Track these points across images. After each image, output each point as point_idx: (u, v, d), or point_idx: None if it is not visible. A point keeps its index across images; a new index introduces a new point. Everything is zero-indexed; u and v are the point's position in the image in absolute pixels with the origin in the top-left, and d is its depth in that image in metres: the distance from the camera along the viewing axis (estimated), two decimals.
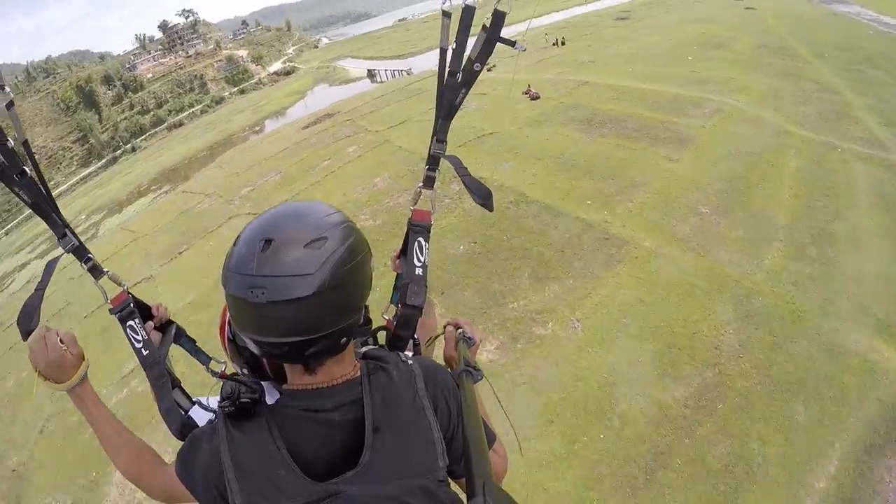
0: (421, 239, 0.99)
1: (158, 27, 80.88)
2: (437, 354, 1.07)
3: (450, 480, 0.72)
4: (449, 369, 0.89)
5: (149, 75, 67.21)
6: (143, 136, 55.85)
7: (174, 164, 24.91)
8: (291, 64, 68.80)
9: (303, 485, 0.64)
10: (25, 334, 0.84)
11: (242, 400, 0.68)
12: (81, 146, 56.36)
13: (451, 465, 0.71)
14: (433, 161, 1.04)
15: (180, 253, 8.29)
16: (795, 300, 4.70)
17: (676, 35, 18.79)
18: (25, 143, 0.91)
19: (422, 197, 1.02)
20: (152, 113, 61.02)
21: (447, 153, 1.04)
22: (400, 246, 1.08)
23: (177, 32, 79.11)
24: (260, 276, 0.60)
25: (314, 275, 0.60)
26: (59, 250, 0.94)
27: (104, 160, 53.82)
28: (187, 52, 75.25)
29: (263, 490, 0.64)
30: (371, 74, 36.72)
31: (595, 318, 4.39)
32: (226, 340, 0.87)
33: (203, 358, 1.04)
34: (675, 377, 3.95)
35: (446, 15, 0.95)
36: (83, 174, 51.02)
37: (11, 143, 0.85)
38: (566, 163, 7.63)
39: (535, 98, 11.94)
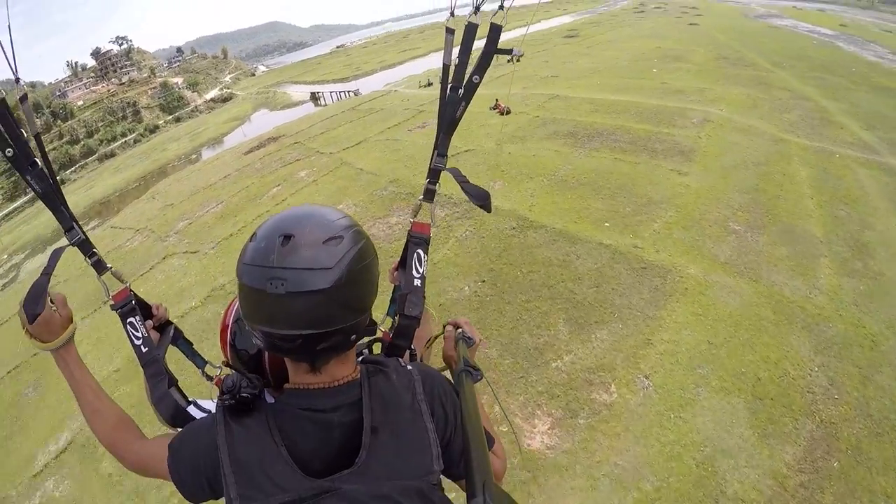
0: (420, 251, 1.08)
1: (91, 54, 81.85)
2: (438, 355, 1.15)
3: (443, 485, 0.78)
4: (449, 369, 1.05)
5: (80, 103, 69.03)
6: (73, 168, 56.22)
7: (104, 197, 25.06)
8: (229, 90, 70.92)
9: (299, 480, 0.70)
10: (32, 317, 0.89)
11: (243, 394, 0.76)
12: (8, 179, 55.52)
13: (451, 469, 0.79)
14: (434, 174, 1.14)
15: (104, 303, 7.44)
16: (864, 322, 4.53)
17: (632, 49, 20.15)
18: (37, 137, 1.04)
19: (422, 210, 1.11)
20: (82, 143, 62.13)
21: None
22: (398, 259, 1.17)
23: (110, 59, 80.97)
24: (280, 268, 0.67)
25: (332, 269, 0.68)
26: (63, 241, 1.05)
27: (31, 194, 54.69)
28: (120, 80, 75.96)
29: (260, 484, 0.70)
30: (315, 98, 36.47)
31: (665, 372, 3.83)
32: (226, 345, 0.95)
33: (199, 361, 1.14)
34: (779, 436, 3.46)
35: (449, 31, 1.00)
36: (9, 209, 49.96)
37: (25, 134, 0.95)
38: (565, 181, 7.31)
39: (505, 113, 11.86)
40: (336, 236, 0.71)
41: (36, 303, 0.90)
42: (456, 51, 1.06)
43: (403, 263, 1.13)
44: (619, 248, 5.36)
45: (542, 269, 5.18)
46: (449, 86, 1.06)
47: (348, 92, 31.83)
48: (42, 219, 28.36)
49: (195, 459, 0.78)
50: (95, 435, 0.94)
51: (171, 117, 66.53)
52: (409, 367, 0.86)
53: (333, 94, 33.38)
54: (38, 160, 0.97)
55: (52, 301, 0.93)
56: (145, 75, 78.80)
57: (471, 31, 0.98)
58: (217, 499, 0.78)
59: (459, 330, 1.07)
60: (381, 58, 50.01)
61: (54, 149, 59.71)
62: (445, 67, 1.06)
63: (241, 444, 0.74)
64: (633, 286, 4.79)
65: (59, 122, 64.14)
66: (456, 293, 5.15)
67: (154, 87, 74.03)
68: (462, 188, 1.15)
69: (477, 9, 0.95)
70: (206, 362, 1.13)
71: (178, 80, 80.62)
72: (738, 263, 5.12)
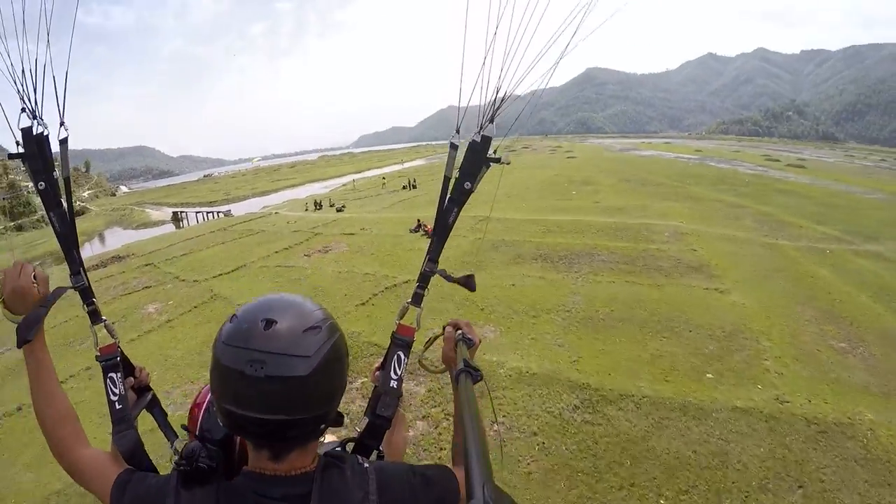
0: (401, 353, 1.18)
1: None
2: (437, 355, 1.20)
3: None
4: (448, 370, 1.17)
5: None
6: None
7: None
8: (83, 204, 67.94)
9: None
10: (22, 342, 1.02)
11: (200, 464, 0.85)
12: None
13: None
14: (423, 279, 1.22)
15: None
16: None
17: (533, 177, 22.00)
18: (67, 180, 1.19)
19: (408, 313, 1.21)
20: None
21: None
22: (381, 360, 1.23)
23: None
24: (261, 351, 0.76)
25: (311, 357, 0.78)
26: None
27: None
28: None
29: None
30: (177, 218, 33.84)
31: None
32: (197, 424, 1.10)
33: (170, 434, 1.21)
34: None
35: (453, 147, 1.14)
36: None
37: (57, 173, 1.14)
38: (590, 317, 5.98)
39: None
40: (315, 326, 0.81)
41: (28, 331, 1.00)
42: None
43: (384, 365, 1.20)
44: (767, 411, 3.90)
45: (692, 477, 3.32)
46: (447, 197, 1.17)
47: (218, 213, 30.13)
48: None
49: None
50: (42, 423, 1.01)
51: (12, 224, 60.57)
52: (367, 466, 0.91)
53: (200, 215, 31.64)
54: (62, 201, 1.15)
55: (35, 277, 1.03)
56: None
57: (477, 146, 1.10)
58: None
59: (459, 331, 1.13)
60: (252, 185, 49.62)
61: None
62: (446, 179, 1.16)
63: None
64: (838, 465, 3.32)
65: None
66: None
67: (2, 187, 69.42)
68: (452, 281, 1.22)
69: (481, 128, 1.09)
70: (177, 437, 1.19)
71: (30, 184, 78.97)
72: (892, 389, 4.40)
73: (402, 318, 1.20)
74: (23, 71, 1.08)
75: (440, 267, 1.25)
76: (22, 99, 1.08)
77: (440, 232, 1.20)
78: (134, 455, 1.03)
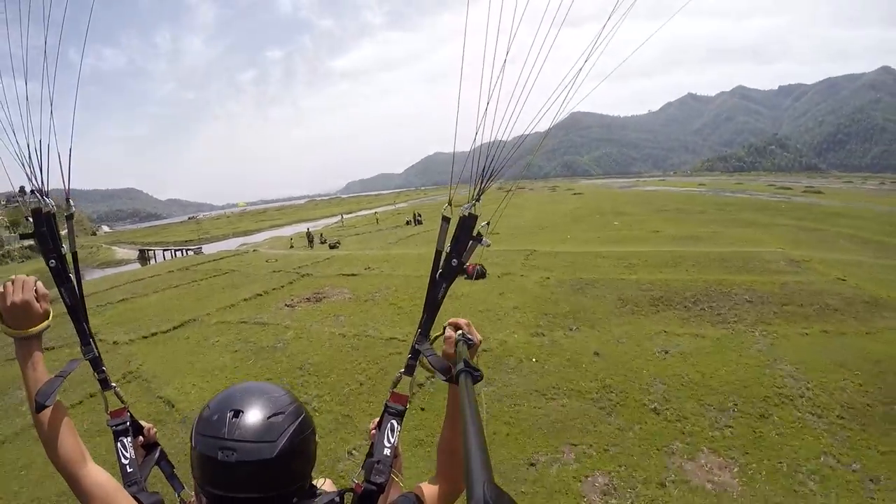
0: (394, 421, 1.20)
1: None
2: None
3: None
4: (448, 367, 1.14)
5: None
6: None
7: None
8: None
9: None
10: (40, 407, 1.01)
11: None
12: None
13: None
14: (415, 352, 1.23)
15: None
16: None
17: (558, 210, 20.61)
18: (74, 255, 1.23)
19: (401, 381, 1.22)
20: None
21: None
22: (377, 419, 1.26)
23: None
24: (231, 439, 0.83)
25: (276, 442, 0.85)
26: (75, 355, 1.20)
27: None
28: None
29: None
30: (144, 257, 32.30)
31: None
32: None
33: (177, 485, 1.35)
34: None
35: (445, 220, 1.14)
36: None
37: (65, 249, 1.18)
38: (854, 406, 4.02)
39: (478, 276, 8.76)
40: (279, 412, 0.88)
41: (46, 397, 1.01)
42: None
43: (380, 425, 1.21)
44: None
45: None
46: (438, 272, 1.17)
47: (186, 250, 28.38)
48: None
49: None
50: (41, 432, 1.03)
51: None
52: None
53: (168, 253, 30.35)
54: (71, 276, 1.18)
55: (37, 293, 1.04)
56: None
57: (465, 223, 1.09)
58: None
59: (459, 331, 1.12)
60: (234, 226, 47.73)
61: None
62: (438, 253, 1.16)
63: None
64: None
65: None
66: None
67: None
68: (429, 365, 1.16)
69: (477, 200, 1.09)
70: (183, 487, 1.26)
71: (3, 217, 76.11)
72: None
73: (395, 386, 1.20)
74: (29, 156, 1.12)
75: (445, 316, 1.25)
76: (30, 180, 1.13)
77: (430, 307, 1.19)
78: None
